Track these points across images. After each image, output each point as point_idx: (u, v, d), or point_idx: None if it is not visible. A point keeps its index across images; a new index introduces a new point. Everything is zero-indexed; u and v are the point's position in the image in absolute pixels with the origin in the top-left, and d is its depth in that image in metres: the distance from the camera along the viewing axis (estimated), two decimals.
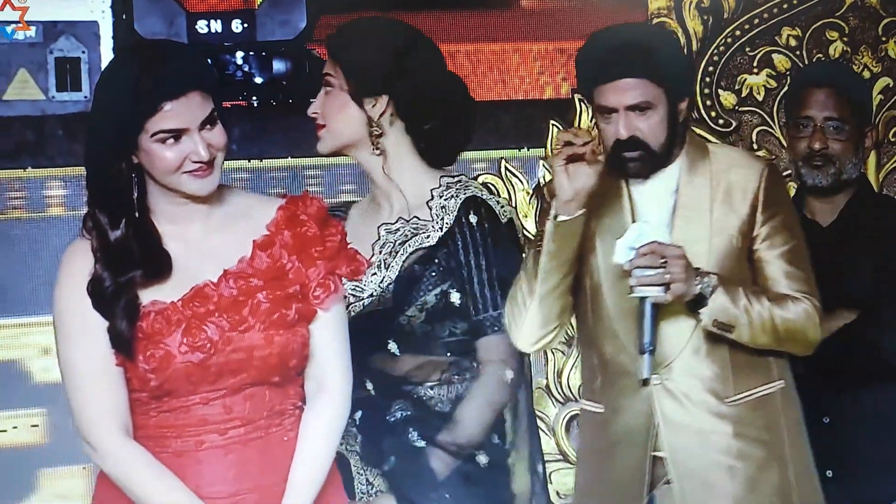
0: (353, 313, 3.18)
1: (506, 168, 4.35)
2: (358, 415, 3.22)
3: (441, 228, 3.21)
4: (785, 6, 4.39)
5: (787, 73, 4.27)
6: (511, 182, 4.33)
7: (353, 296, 3.20)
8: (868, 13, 4.38)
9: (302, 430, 2.86)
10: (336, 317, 2.87)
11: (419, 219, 3.23)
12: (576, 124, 4.37)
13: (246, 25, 4.42)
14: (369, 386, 3.23)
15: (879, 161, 4.34)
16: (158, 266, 2.82)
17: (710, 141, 3.69)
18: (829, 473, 3.50)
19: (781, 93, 4.18)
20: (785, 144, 4.06)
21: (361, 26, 3.33)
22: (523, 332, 3.19)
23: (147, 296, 2.82)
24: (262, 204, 2.92)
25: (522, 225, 4.33)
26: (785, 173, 3.98)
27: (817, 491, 3.27)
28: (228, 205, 2.90)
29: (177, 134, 2.79)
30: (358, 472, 3.23)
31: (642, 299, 3.07)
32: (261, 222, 2.87)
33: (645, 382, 3.08)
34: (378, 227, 3.25)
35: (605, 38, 3.22)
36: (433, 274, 3.20)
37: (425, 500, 3.21)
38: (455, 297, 3.22)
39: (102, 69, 4.17)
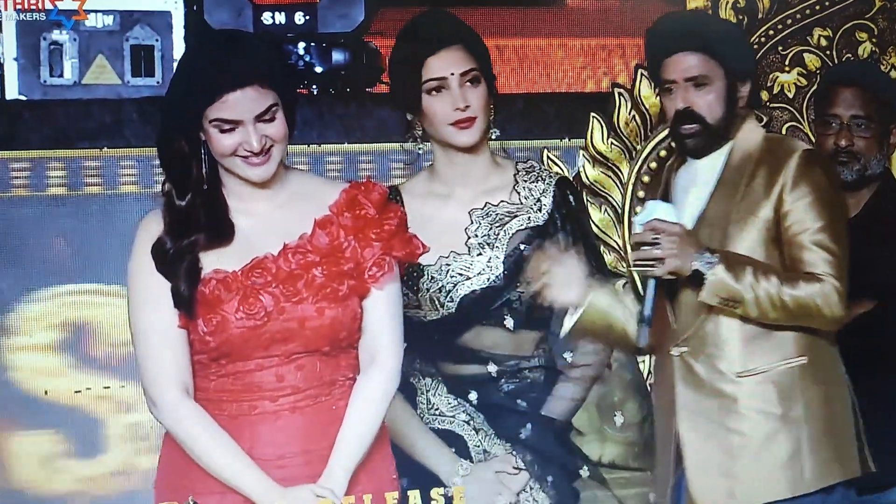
0: (464, 292, 3.28)
1: (548, 157, 4.41)
2: (473, 395, 3.32)
3: (540, 209, 3.32)
4: (817, 7, 4.43)
5: (818, 71, 4.30)
6: (552, 170, 4.39)
7: (461, 274, 3.29)
8: None
9: (352, 398, 2.93)
10: (390, 295, 2.94)
11: (507, 202, 3.32)
12: (614, 118, 4.42)
13: (308, 17, 4.48)
14: (491, 368, 3.32)
15: None
16: (221, 231, 2.90)
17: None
18: None
19: (811, 91, 4.22)
20: (813, 140, 4.10)
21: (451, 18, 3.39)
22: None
23: (211, 264, 2.90)
24: (328, 186, 2.99)
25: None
26: None
27: (840, 461, 3.26)
28: (295, 185, 2.97)
29: (232, 124, 2.86)
30: (475, 446, 3.31)
31: (645, 277, 3.16)
32: (324, 203, 2.95)
33: (639, 351, 3.16)
34: (469, 212, 3.33)
35: (670, 18, 3.35)
36: (535, 251, 3.28)
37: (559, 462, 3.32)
38: None
39: (180, 54, 4.34)
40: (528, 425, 3.31)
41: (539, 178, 3.35)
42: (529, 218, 3.31)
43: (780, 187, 3.22)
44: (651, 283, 3.16)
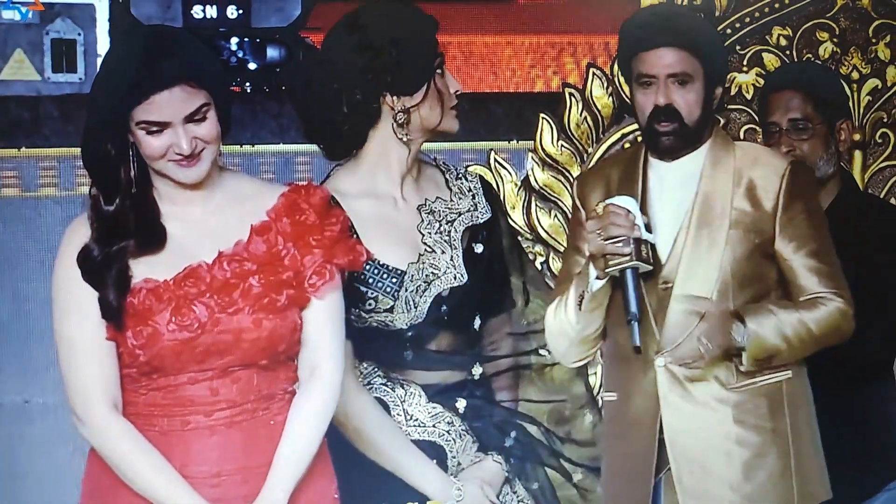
0: (436, 291, 3.21)
1: (495, 160, 4.40)
2: (461, 404, 3.25)
3: (476, 207, 3.28)
4: (776, 6, 4.43)
5: None
6: (500, 174, 4.37)
7: (433, 273, 3.23)
8: (859, 14, 4.41)
9: (290, 414, 2.88)
10: (331, 305, 2.89)
11: (443, 199, 3.27)
12: (565, 120, 4.41)
13: (241, 11, 4.46)
14: (476, 371, 3.27)
15: (865, 162, 4.36)
16: (152, 237, 2.85)
17: None
18: None
19: None
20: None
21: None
22: (569, 357, 3.31)
23: (141, 272, 2.85)
24: (265, 190, 2.94)
25: (509, 215, 4.41)
26: None
27: (821, 482, 3.27)
28: (231, 188, 2.92)
29: (160, 126, 2.82)
30: (452, 457, 3.24)
31: (622, 272, 3.12)
32: (262, 208, 2.90)
33: (637, 350, 3.12)
34: (418, 208, 3.27)
35: (652, 10, 3.37)
36: (488, 247, 3.26)
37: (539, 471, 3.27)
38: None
39: (107, 49, 4.23)
40: (513, 433, 3.27)
41: (462, 177, 3.33)
42: (472, 215, 3.29)
43: (773, 206, 3.23)
44: (629, 276, 3.12)
